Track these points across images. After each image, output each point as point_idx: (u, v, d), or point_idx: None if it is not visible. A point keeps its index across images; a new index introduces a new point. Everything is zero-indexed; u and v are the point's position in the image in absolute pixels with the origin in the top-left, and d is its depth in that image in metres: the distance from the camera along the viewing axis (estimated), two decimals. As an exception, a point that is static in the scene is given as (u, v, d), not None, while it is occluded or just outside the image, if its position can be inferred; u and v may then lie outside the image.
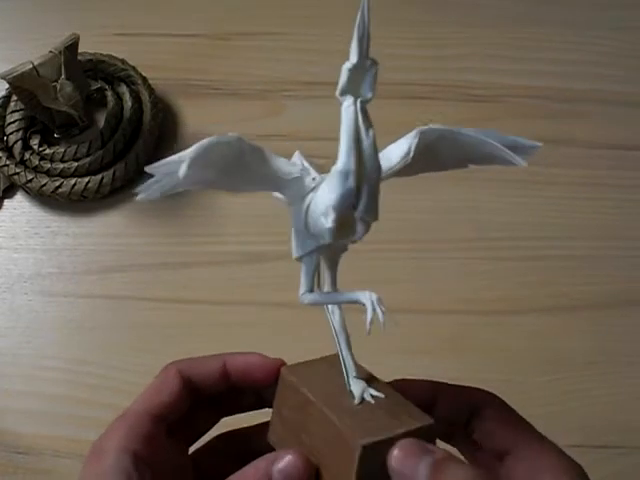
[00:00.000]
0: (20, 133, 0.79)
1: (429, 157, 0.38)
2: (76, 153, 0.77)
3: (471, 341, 0.69)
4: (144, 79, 0.81)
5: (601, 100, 0.82)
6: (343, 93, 0.33)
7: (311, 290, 0.38)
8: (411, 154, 0.37)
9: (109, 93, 0.80)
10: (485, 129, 0.37)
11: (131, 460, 0.38)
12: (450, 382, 0.42)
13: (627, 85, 0.83)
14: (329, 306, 0.39)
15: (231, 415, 0.44)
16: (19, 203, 0.79)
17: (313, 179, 0.36)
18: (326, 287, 0.39)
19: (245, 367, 0.42)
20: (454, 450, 0.42)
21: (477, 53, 0.85)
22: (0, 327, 0.72)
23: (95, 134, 0.78)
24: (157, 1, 0.90)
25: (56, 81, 0.73)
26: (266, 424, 0.41)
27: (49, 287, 0.74)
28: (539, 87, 0.83)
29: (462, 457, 0.41)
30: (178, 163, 0.32)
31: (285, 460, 0.37)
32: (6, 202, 0.79)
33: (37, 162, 0.77)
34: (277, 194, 0.38)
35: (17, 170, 0.77)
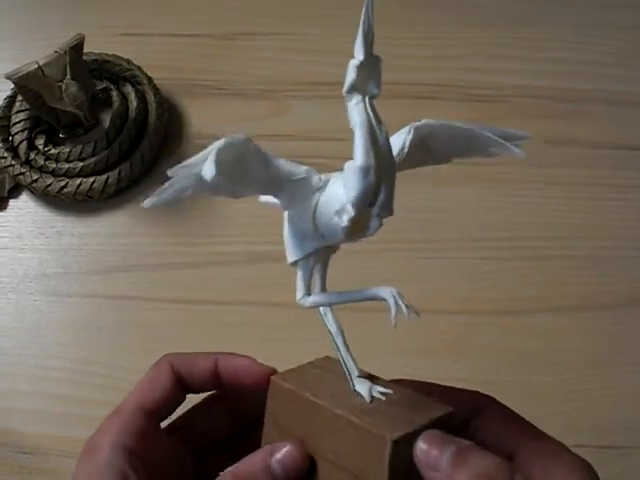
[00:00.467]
0: (25, 133, 0.79)
1: (424, 152, 0.38)
2: (81, 153, 0.77)
3: (475, 341, 0.69)
4: (149, 79, 0.82)
5: (604, 100, 0.82)
6: (350, 91, 0.33)
7: (309, 293, 0.38)
8: (406, 149, 0.37)
9: (114, 93, 0.81)
10: (473, 122, 0.38)
11: (125, 456, 0.38)
12: (454, 382, 0.42)
13: (630, 85, 0.83)
14: (321, 309, 0.39)
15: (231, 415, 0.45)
16: (24, 203, 0.79)
17: (319, 179, 0.36)
18: (317, 289, 0.38)
19: (234, 371, 0.42)
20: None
21: (479, 53, 0.85)
22: (5, 327, 0.72)
23: (100, 134, 0.79)
24: (162, 1, 0.90)
25: (61, 81, 0.73)
26: None
27: (54, 287, 0.74)
28: (542, 87, 0.83)
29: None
30: (199, 165, 0.32)
31: (283, 451, 0.37)
32: (11, 202, 0.79)
33: (42, 162, 0.77)
34: (267, 198, 0.37)
35: (22, 170, 0.77)
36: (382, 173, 0.33)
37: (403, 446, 0.34)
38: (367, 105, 0.33)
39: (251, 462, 0.37)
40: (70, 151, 0.77)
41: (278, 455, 0.37)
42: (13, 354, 0.71)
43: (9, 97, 0.81)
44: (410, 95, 0.81)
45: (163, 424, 0.43)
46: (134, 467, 0.38)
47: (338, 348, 0.39)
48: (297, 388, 0.38)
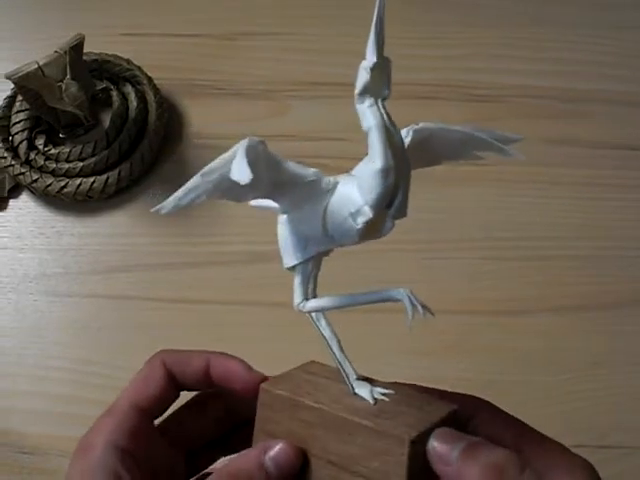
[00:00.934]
0: (25, 133, 0.79)
1: (422, 154, 0.38)
2: (81, 153, 0.77)
3: (476, 341, 0.69)
4: (149, 79, 0.82)
5: (605, 100, 0.82)
6: (363, 93, 0.33)
7: (307, 298, 0.38)
8: None
9: (114, 93, 0.81)
10: (469, 124, 0.38)
11: (117, 456, 0.38)
12: (454, 383, 0.42)
13: (631, 85, 0.83)
14: (313, 314, 0.38)
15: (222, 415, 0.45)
16: (24, 203, 0.79)
17: (329, 181, 0.35)
18: (310, 293, 0.38)
19: (225, 374, 0.42)
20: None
21: (480, 53, 0.85)
22: (5, 327, 0.72)
23: (100, 134, 0.79)
24: (162, 1, 0.90)
25: (61, 81, 0.73)
26: None
27: (54, 287, 0.74)
28: (543, 87, 0.83)
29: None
30: (222, 168, 0.32)
31: (276, 448, 0.37)
32: (11, 202, 0.79)
33: (42, 162, 0.77)
34: (258, 202, 0.37)
35: (22, 170, 0.77)
36: (400, 174, 0.33)
37: (419, 445, 0.35)
38: (380, 107, 0.33)
39: (244, 459, 0.37)
40: (70, 151, 0.77)
41: (271, 452, 0.37)
42: (13, 354, 0.71)
43: (9, 97, 0.81)
44: (410, 95, 0.81)
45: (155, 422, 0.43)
46: (127, 466, 0.38)
47: (333, 352, 0.38)
48: (294, 395, 0.38)
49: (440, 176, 0.72)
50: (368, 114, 0.33)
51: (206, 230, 0.75)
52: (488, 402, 0.41)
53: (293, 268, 0.38)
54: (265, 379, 0.40)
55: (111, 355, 0.70)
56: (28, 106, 0.79)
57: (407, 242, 0.72)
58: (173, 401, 0.43)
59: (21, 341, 0.71)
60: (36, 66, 0.73)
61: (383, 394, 0.38)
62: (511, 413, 0.40)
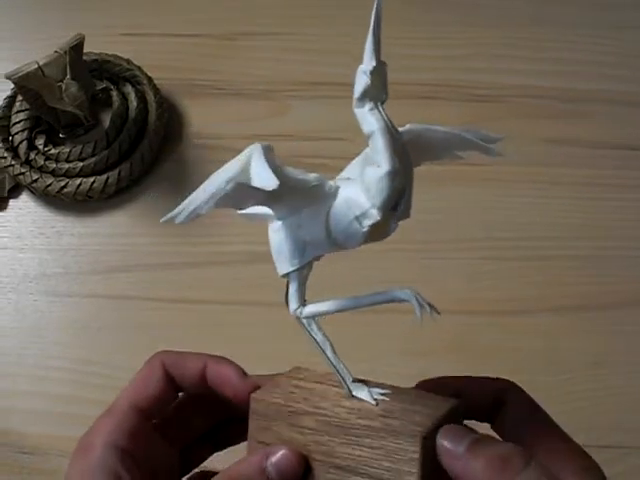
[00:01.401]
0: (25, 133, 0.79)
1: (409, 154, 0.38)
2: (81, 153, 0.77)
3: (476, 341, 0.69)
4: (149, 79, 0.82)
5: (605, 100, 0.82)
6: (362, 97, 0.33)
7: (304, 303, 0.38)
8: None
9: (114, 93, 0.81)
10: (457, 126, 0.38)
11: (117, 456, 0.38)
12: None
13: (631, 85, 0.83)
14: (304, 320, 0.38)
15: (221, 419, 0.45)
16: (24, 203, 0.79)
17: (331, 186, 0.35)
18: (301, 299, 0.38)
19: (219, 379, 0.41)
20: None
21: (480, 53, 0.85)
22: (5, 327, 0.72)
23: (100, 134, 0.79)
24: (162, 1, 0.90)
25: (61, 81, 0.73)
26: None
27: (54, 287, 0.74)
28: (543, 87, 0.83)
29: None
30: (234, 171, 0.32)
31: (279, 454, 0.37)
32: (11, 202, 0.79)
33: (42, 162, 0.77)
34: (246, 211, 0.37)
35: (22, 170, 0.77)
36: (405, 176, 0.33)
37: (429, 441, 0.35)
38: (381, 110, 0.33)
39: (246, 464, 0.37)
40: (70, 151, 0.77)
41: (273, 458, 0.37)
42: (13, 354, 0.71)
43: (9, 97, 0.81)
44: (410, 95, 0.81)
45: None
46: (127, 466, 0.38)
47: (327, 356, 0.38)
48: (290, 402, 0.37)
49: (439, 176, 0.72)
50: (369, 118, 0.33)
51: (206, 230, 0.75)
52: (521, 391, 0.40)
53: (287, 275, 0.37)
54: (257, 388, 0.40)
55: (111, 355, 0.70)
56: (28, 106, 0.79)
57: (407, 242, 0.72)
58: (172, 402, 0.43)
59: (21, 341, 0.71)
60: (36, 66, 0.73)
61: (382, 394, 0.38)
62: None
